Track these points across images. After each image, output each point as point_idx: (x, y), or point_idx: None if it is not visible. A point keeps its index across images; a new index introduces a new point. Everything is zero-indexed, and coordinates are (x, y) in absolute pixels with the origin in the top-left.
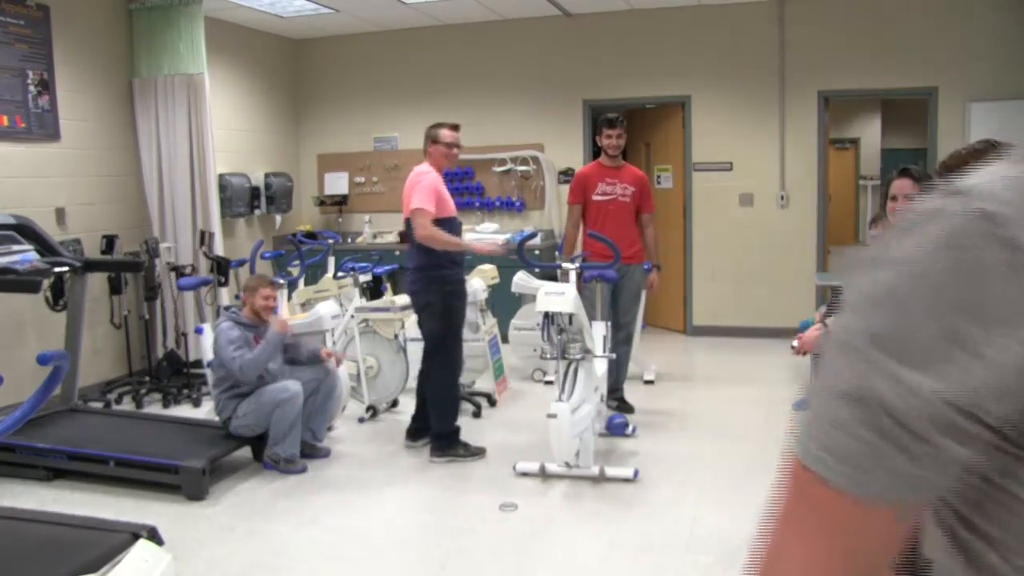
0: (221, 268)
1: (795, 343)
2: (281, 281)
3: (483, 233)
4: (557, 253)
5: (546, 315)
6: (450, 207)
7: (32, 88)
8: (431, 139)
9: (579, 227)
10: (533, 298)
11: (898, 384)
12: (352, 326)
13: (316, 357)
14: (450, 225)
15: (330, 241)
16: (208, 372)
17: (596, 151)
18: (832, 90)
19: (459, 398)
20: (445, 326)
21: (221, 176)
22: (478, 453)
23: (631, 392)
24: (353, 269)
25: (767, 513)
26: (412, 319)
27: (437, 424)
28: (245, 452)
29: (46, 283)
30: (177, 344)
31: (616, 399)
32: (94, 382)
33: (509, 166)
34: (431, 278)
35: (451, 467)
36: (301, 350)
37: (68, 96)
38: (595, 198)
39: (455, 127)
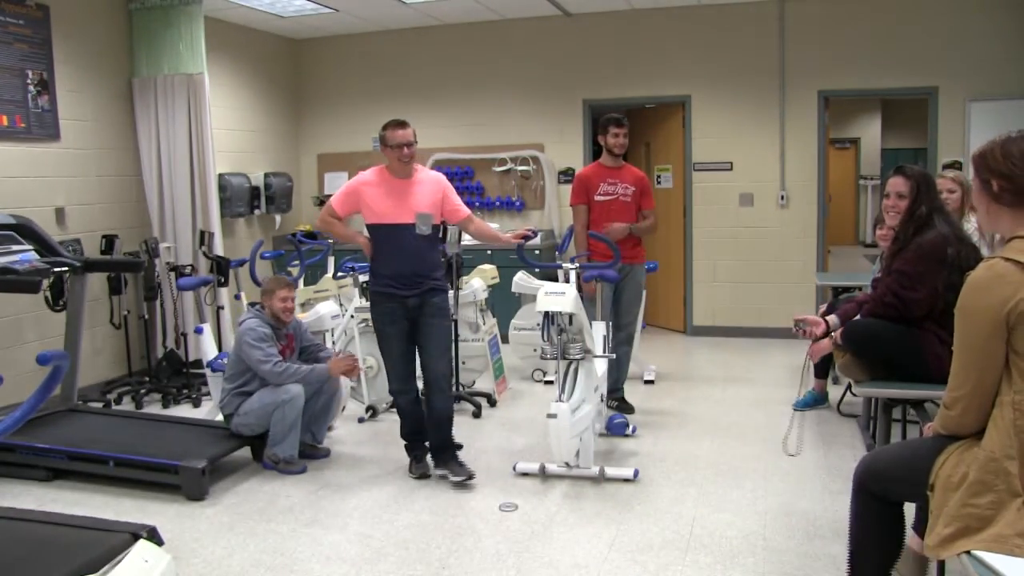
0: (221, 268)
1: (802, 327)
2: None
3: None
4: (557, 253)
5: (546, 315)
6: (387, 212)
7: (32, 88)
8: (380, 142)
9: (587, 227)
10: (533, 298)
11: None
12: (352, 326)
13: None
14: (390, 232)
15: (330, 241)
16: (207, 372)
17: (596, 151)
18: (832, 90)
19: (402, 410)
20: (375, 335)
21: (221, 176)
22: (416, 475)
23: (631, 392)
24: (353, 269)
25: None
26: None
27: None
28: (245, 452)
29: (46, 283)
30: (177, 344)
31: (616, 399)
32: (94, 382)
33: (509, 166)
34: (371, 285)
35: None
36: (319, 357)
37: (68, 96)
38: (597, 198)
39: (402, 124)
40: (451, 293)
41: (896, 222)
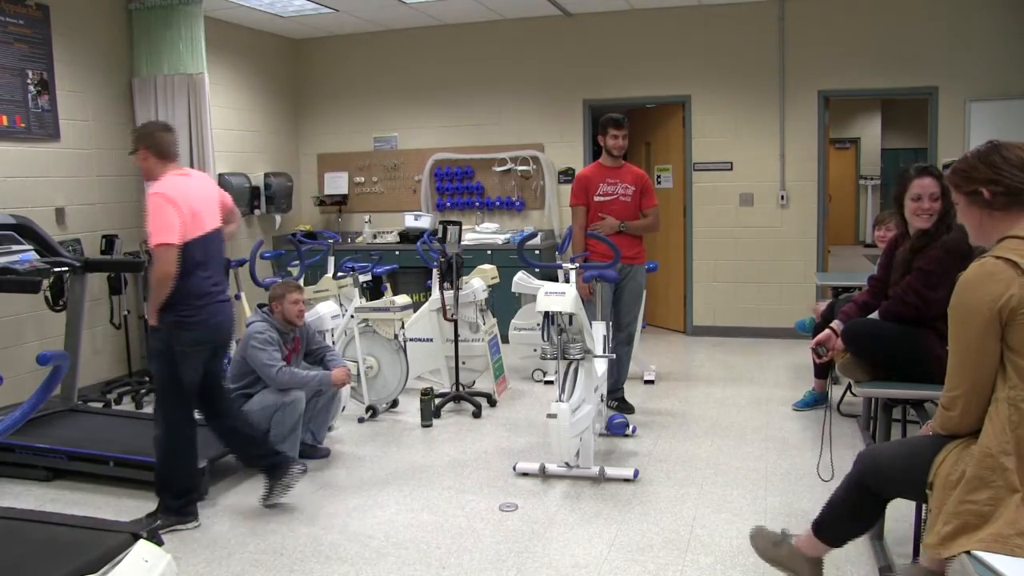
0: None
1: (822, 351)
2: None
3: (483, 232)
4: (557, 253)
5: (546, 315)
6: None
7: (32, 88)
8: None
9: (585, 228)
10: (533, 298)
11: None
12: (352, 326)
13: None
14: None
15: (330, 241)
16: None
17: (596, 151)
18: (832, 90)
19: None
20: None
21: (221, 176)
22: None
23: (631, 392)
24: (353, 269)
25: None
26: (412, 319)
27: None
28: None
29: (46, 283)
30: None
31: (616, 399)
32: (94, 382)
33: (509, 166)
34: None
35: (451, 467)
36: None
37: (68, 96)
38: (597, 199)
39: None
40: (448, 294)
41: (929, 224)
